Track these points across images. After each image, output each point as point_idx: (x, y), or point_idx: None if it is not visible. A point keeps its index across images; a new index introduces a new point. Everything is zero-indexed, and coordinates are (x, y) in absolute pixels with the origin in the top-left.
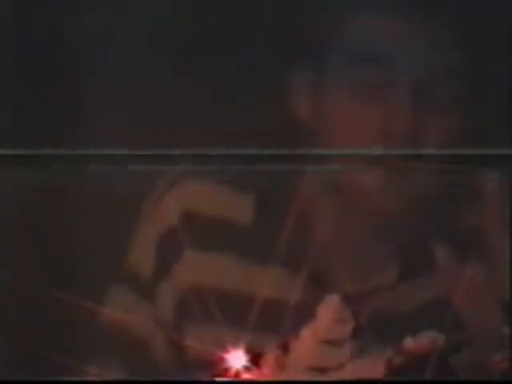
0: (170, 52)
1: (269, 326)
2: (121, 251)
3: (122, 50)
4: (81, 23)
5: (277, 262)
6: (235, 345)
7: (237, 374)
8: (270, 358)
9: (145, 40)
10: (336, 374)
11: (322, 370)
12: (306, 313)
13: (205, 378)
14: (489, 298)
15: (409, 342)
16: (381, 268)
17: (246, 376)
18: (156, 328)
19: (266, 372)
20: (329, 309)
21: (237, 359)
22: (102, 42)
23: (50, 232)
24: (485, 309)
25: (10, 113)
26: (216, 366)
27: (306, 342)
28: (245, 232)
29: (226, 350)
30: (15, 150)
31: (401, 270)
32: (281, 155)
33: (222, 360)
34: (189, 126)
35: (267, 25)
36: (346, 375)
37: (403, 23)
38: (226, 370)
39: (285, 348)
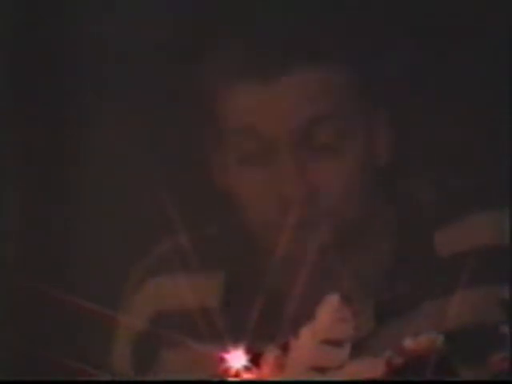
0: None
1: None
2: None
3: None
4: None
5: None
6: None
7: (237, 374)
8: (270, 357)
9: None
10: (336, 374)
11: (322, 369)
12: None
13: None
14: None
15: (409, 343)
16: None
17: (246, 376)
18: None
19: (266, 372)
20: (329, 309)
21: (237, 359)
22: None
23: None
24: None
25: None
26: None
27: (305, 342)
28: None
29: (225, 350)
30: None
31: None
32: None
33: (222, 360)
34: None
35: None
36: (346, 375)
37: None
38: (226, 370)
39: (285, 348)
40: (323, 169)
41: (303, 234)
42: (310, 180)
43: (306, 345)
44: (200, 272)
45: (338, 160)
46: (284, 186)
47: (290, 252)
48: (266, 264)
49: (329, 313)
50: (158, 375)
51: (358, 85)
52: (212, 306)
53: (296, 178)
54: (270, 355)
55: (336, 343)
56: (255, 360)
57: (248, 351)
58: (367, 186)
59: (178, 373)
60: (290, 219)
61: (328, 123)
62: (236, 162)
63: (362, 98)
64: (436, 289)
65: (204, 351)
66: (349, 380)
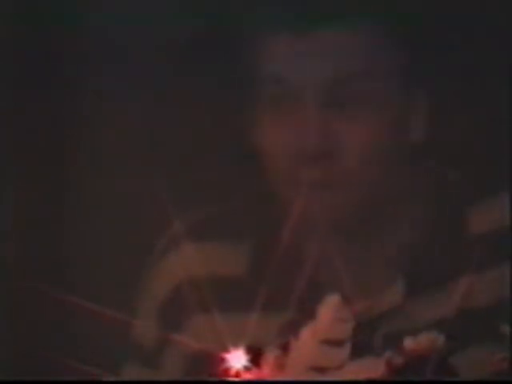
0: None
1: None
2: None
3: None
4: None
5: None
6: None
7: (237, 374)
8: (270, 357)
9: None
10: (336, 374)
11: (322, 369)
12: None
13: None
14: None
15: (409, 342)
16: None
17: (246, 376)
18: None
19: (266, 372)
20: (329, 309)
21: (237, 359)
22: None
23: None
24: None
25: None
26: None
27: (305, 342)
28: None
29: (225, 350)
30: None
31: None
32: None
33: (222, 360)
34: None
35: None
36: (346, 375)
37: None
38: (226, 370)
39: (285, 348)
40: (348, 128)
41: (323, 193)
42: (333, 137)
43: (306, 345)
44: (226, 241)
45: (362, 122)
46: (307, 140)
47: (309, 212)
48: (287, 227)
49: (329, 313)
50: (183, 340)
51: (397, 53)
52: (238, 275)
53: (319, 133)
54: (270, 355)
55: (336, 343)
56: (255, 360)
57: (248, 351)
58: (392, 157)
59: (203, 340)
60: (311, 175)
61: (362, 83)
62: (267, 114)
63: (400, 68)
64: (464, 267)
65: (204, 351)
66: (349, 380)
